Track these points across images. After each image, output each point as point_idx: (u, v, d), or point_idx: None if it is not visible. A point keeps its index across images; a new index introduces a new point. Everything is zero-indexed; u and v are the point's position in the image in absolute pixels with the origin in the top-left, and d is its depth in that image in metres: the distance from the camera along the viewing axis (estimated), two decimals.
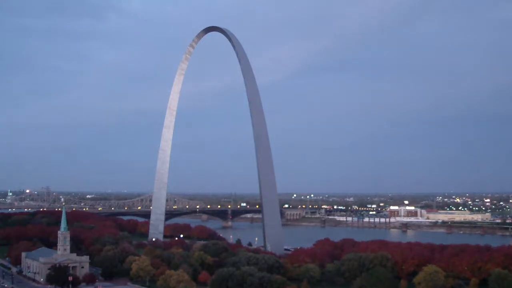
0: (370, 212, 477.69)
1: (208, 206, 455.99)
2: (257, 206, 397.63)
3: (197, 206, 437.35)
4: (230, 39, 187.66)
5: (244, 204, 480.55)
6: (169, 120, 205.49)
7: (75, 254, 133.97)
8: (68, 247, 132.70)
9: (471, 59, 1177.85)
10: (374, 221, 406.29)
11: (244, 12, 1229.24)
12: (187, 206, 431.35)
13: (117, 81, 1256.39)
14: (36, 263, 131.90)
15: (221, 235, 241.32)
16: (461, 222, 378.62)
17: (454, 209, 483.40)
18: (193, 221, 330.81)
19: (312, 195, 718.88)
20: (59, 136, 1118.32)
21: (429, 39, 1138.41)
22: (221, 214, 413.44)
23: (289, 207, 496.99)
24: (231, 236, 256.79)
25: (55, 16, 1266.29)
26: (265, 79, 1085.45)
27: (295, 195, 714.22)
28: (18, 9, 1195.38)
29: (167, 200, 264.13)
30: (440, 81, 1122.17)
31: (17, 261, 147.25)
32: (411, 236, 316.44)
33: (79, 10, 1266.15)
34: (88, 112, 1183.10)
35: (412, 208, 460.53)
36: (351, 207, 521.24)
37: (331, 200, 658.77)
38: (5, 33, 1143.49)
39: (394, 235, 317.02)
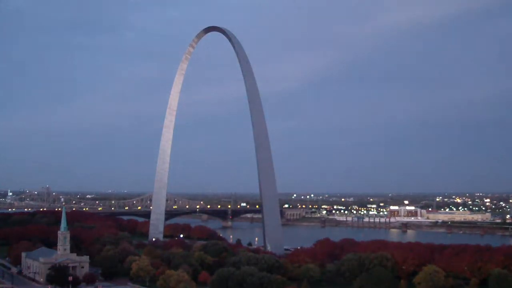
0: (370, 212, 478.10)
1: (208, 206, 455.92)
2: (257, 206, 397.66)
3: (197, 206, 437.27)
4: (230, 39, 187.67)
5: (244, 204, 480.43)
6: (169, 120, 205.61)
7: (75, 254, 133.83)
8: (68, 247, 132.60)
9: (471, 70, 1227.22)
10: (374, 221, 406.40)
11: (255, 24, 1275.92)
12: (187, 206, 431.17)
13: (128, 90, 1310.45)
14: (36, 263, 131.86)
15: (221, 235, 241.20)
16: (461, 222, 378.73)
17: (454, 209, 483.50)
18: (193, 221, 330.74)
19: (312, 195, 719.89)
20: (70, 138, 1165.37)
21: (431, 54, 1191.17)
22: (221, 214, 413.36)
23: (289, 207, 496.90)
24: (231, 236, 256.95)
25: (74, 33, 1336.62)
26: (274, 87, 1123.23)
27: (295, 195, 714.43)
28: (39, 26, 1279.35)
29: (167, 200, 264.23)
30: (442, 88, 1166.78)
31: (17, 261, 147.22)
32: (411, 236, 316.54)
33: (95, 27, 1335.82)
34: (100, 117, 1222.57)
35: (412, 208, 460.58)
36: (351, 207, 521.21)
37: (331, 200, 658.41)
38: (26, 47, 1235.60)
39: (394, 235, 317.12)
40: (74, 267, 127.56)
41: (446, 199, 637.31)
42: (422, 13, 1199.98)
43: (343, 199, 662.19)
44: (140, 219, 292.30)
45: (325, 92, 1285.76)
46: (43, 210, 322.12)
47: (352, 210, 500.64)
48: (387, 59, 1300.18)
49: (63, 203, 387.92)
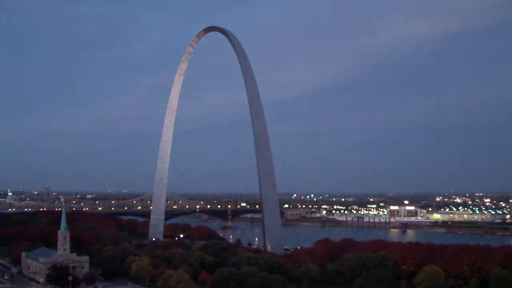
0: (370, 212, 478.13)
1: (208, 206, 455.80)
2: (257, 206, 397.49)
3: (197, 206, 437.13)
4: (230, 39, 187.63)
5: (244, 204, 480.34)
6: (169, 120, 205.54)
7: (75, 254, 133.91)
8: (68, 247, 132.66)
9: (470, 78, 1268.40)
10: (374, 221, 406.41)
11: (267, 38, 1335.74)
12: (187, 206, 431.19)
13: (137, 96, 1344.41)
14: (36, 263, 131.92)
15: (221, 235, 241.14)
16: (461, 222, 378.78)
17: (454, 209, 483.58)
18: (193, 221, 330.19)
19: (312, 195, 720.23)
20: (70, 140, 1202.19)
21: (431, 65, 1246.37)
22: (221, 214, 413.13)
23: (289, 207, 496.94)
24: (231, 236, 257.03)
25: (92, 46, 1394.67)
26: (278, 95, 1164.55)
27: (295, 195, 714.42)
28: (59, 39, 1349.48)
29: (167, 200, 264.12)
30: (441, 95, 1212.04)
31: (17, 261, 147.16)
32: (411, 236, 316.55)
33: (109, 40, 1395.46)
34: (103, 120, 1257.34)
35: (412, 208, 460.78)
36: (351, 207, 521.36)
37: (331, 200, 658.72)
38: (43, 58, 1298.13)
39: (394, 235, 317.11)
40: (74, 267, 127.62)
41: (446, 199, 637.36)
42: (423, 29, 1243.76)
43: (343, 199, 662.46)
44: (140, 219, 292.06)
45: (327, 99, 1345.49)
46: (43, 210, 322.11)
47: (352, 210, 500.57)
48: (388, 70, 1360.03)
49: (63, 203, 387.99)
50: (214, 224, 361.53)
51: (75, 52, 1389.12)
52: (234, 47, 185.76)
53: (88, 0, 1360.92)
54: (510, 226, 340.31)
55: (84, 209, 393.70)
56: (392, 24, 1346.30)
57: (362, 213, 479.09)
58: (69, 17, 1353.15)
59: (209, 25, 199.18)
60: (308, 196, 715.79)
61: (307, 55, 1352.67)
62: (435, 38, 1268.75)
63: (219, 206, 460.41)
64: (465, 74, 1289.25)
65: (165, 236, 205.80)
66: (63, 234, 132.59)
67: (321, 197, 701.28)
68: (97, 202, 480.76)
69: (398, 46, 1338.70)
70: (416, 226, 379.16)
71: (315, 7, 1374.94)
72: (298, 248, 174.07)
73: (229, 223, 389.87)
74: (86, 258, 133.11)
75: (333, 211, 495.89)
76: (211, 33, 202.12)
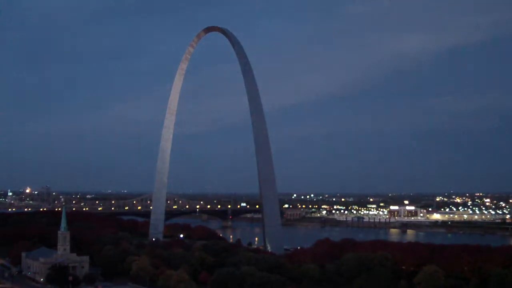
0: (370, 212, 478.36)
1: (208, 206, 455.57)
2: (257, 206, 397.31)
3: (197, 206, 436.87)
4: (230, 39, 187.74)
5: (244, 204, 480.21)
6: (169, 120, 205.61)
7: (75, 254, 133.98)
8: (68, 247, 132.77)
9: (470, 85, 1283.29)
10: (374, 221, 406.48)
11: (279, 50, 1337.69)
12: (187, 206, 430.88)
13: (142, 100, 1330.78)
14: (36, 263, 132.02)
15: (221, 235, 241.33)
16: (461, 222, 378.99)
17: (454, 209, 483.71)
18: (193, 221, 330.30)
19: (312, 195, 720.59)
20: (71, 139, 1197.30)
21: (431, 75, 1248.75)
22: (221, 214, 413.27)
23: (289, 207, 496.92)
24: (231, 236, 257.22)
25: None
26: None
27: (295, 195, 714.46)
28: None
29: (167, 200, 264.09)
30: (444, 97, 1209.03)
31: (17, 261, 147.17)
32: (411, 236, 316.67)
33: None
34: (112, 121, 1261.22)
35: (412, 208, 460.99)
36: (351, 207, 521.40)
37: (331, 200, 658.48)
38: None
39: (394, 235, 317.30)
40: (74, 267, 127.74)
41: (446, 199, 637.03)
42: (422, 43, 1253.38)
43: (343, 199, 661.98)
44: (140, 219, 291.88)
45: (328, 104, 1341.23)
46: (43, 210, 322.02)
47: (352, 210, 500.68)
48: (388, 78, 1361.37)
49: (63, 203, 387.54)
50: (214, 224, 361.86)
51: (77, 62, 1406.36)
52: (234, 47, 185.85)
53: (101, 20, 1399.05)
54: (510, 226, 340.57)
55: (84, 209, 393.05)
56: (393, 37, 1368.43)
57: (362, 213, 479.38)
58: (86, 32, 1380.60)
59: (209, 26, 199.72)
60: (308, 196, 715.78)
61: (312, 64, 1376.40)
62: (436, 50, 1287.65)
63: (219, 206, 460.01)
64: (465, 80, 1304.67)
65: (165, 236, 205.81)
66: (63, 234, 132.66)
67: (321, 197, 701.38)
68: (97, 202, 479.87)
69: (398, 58, 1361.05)
70: (416, 226, 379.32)
71: (319, 17, 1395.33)
72: (298, 248, 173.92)
73: (229, 223, 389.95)
74: (86, 258, 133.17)
75: (333, 211, 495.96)
76: (211, 33, 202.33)
